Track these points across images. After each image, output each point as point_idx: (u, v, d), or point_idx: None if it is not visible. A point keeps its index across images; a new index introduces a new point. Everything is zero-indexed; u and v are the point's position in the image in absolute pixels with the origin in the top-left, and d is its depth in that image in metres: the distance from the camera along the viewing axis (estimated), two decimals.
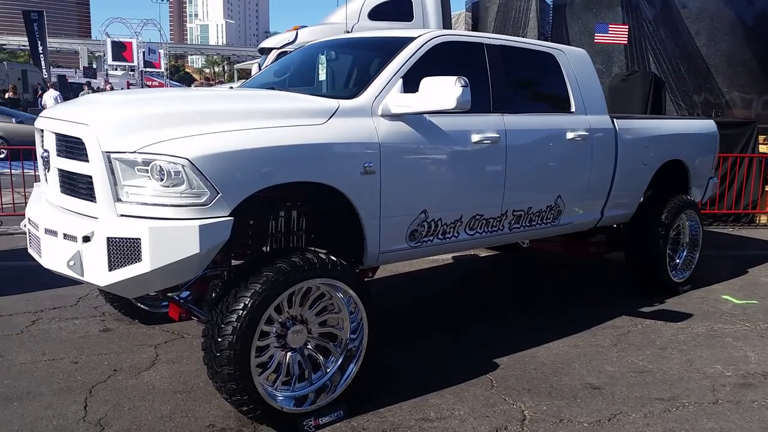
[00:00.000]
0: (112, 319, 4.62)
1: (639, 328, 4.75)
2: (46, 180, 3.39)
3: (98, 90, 25.16)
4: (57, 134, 3.15)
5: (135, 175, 2.83)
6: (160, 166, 2.78)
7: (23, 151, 9.26)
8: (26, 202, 8.37)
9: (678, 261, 5.77)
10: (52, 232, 3.09)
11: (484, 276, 6.42)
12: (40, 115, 3.53)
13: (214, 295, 3.39)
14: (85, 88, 22.57)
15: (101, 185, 2.85)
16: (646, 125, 5.43)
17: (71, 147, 3.04)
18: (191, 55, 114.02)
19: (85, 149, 2.89)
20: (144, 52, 49.02)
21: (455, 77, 3.27)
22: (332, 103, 3.40)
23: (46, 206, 3.34)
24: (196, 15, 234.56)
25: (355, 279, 3.31)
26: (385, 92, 3.52)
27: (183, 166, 2.77)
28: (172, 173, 2.77)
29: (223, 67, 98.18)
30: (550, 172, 4.41)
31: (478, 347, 4.26)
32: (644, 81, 9.49)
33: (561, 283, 6.12)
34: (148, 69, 49.45)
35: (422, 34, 3.87)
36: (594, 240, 5.75)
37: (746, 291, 5.77)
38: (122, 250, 2.79)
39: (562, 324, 4.72)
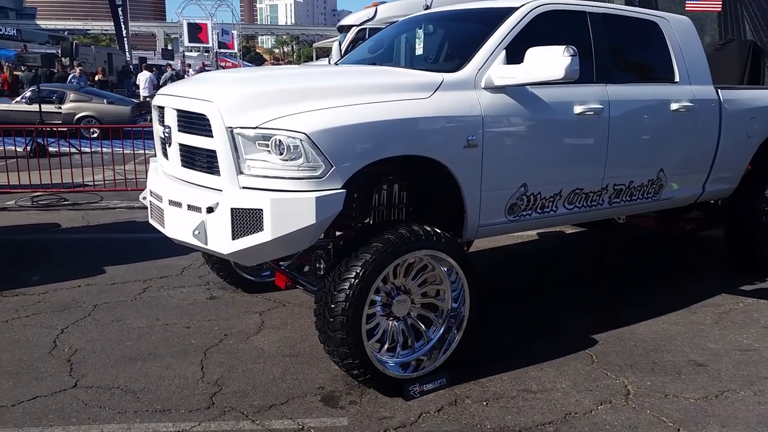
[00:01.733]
0: (217, 288, 4.88)
1: (740, 306, 4.59)
2: (165, 155, 3.60)
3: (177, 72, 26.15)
4: (179, 111, 3.33)
5: (256, 150, 2.98)
6: (280, 141, 2.91)
7: (114, 130, 9.86)
8: (125, 179, 8.86)
9: None
10: (176, 204, 3.30)
11: (572, 253, 6.33)
12: (158, 92, 3.74)
13: (320, 264, 3.55)
14: (169, 69, 23.42)
15: (225, 159, 3.02)
16: (752, 96, 5.17)
17: (194, 123, 3.22)
18: (261, 35, 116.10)
19: (208, 125, 3.06)
20: (218, 34, 50.32)
21: (563, 46, 3.23)
22: (437, 77, 3.44)
23: (166, 179, 3.56)
24: None
25: (458, 251, 3.37)
26: (489, 64, 3.52)
27: (301, 140, 2.89)
28: (291, 147, 2.90)
29: (293, 46, 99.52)
30: (653, 144, 4.29)
31: (575, 323, 4.25)
32: (741, 50, 8.96)
33: (655, 260, 5.96)
34: (222, 50, 50.77)
35: (525, 3, 3.82)
36: (691, 216, 5.57)
37: None
38: (245, 220, 2.95)
39: (659, 301, 4.63)
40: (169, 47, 63.62)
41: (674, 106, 4.33)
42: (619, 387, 3.38)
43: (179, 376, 3.50)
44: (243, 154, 2.99)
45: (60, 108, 14.90)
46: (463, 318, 3.44)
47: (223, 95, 3.09)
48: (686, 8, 10.60)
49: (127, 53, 35.99)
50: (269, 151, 2.95)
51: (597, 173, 3.99)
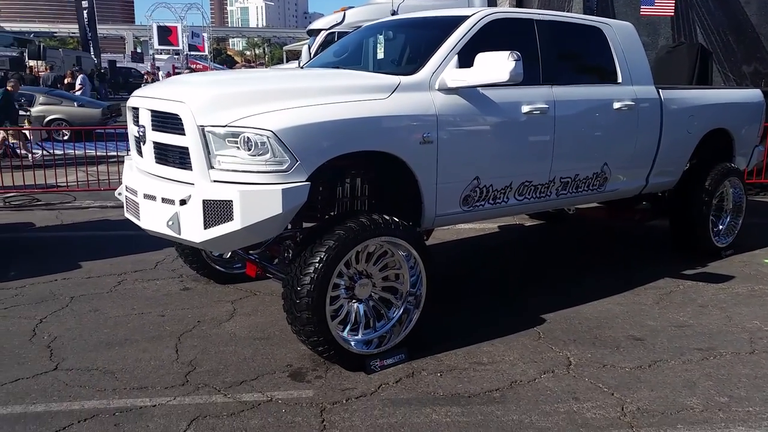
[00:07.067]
0: (190, 280, 5.10)
1: (681, 288, 4.98)
2: (140, 153, 3.83)
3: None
4: (153, 111, 3.57)
5: (225, 146, 3.24)
6: (248, 138, 3.17)
7: (86, 132, 9.94)
8: (97, 180, 8.94)
9: (721, 227, 5.93)
10: (151, 197, 3.53)
11: (529, 243, 6.68)
12: (132, 95, 3.96)
13: (289, 253, 3.82)
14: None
15: (196, 155, 3.27)
16: (691, 95, 5.58)
17: (167, 122, 3.46)
18: (232, 37, 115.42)
19: (181, 124, 3.30)
20: (188, 36, 49.96)
21: (508, 52, 3.54)
22: (394, 80, 3.73)
23: (141, 175, 3.78)
24: None
25: (415, 237, 3.66)
26: (442, 68, 3.83)
27: (268, 137, 3.16)
28: (259, 144, 3.16)
29: (264, 48, 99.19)
30: (596, 140, 4.65)
31: (526, 305, 4.58)
32: (690, 52, 9.46)
33: (606, 248, 6.35)
34: (192, 53, 50.47)
35: (476, 12, 4.14)
36: (639, 207, 5.95)
37: None
38: (216, 211, 3.21)
39: (606, 285, 4.98)
40: (139, 50, 62.86)
41: (617, 105, 4.69)
42: (561, 359, 3.71)
43: (155, 358, 3.73)
44: (213, 150, 3.24)
45: (29, 111, 14.85)
46: (422, 298, 3.73)
47: (195, 96, 3.34)
48: (641, 13, 11.12)
49: (93, 56, 35.49)
50: (238, 147, 3.20)
51: (544, 167, 4.32)
